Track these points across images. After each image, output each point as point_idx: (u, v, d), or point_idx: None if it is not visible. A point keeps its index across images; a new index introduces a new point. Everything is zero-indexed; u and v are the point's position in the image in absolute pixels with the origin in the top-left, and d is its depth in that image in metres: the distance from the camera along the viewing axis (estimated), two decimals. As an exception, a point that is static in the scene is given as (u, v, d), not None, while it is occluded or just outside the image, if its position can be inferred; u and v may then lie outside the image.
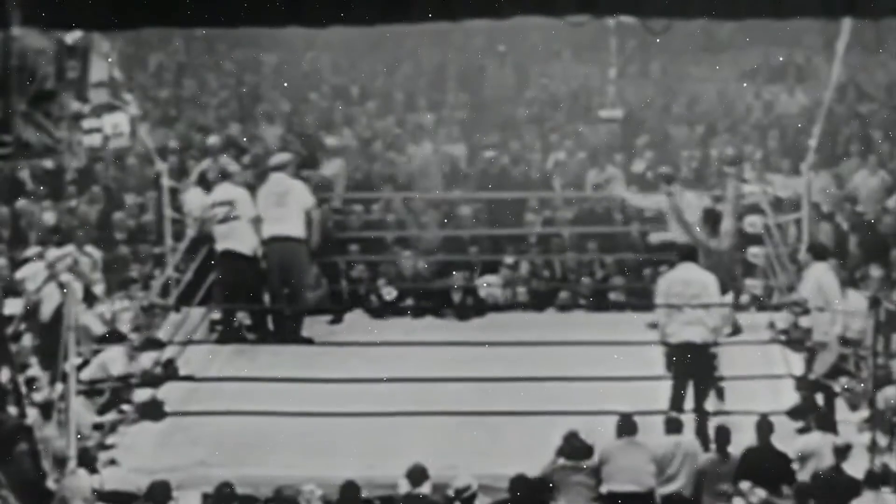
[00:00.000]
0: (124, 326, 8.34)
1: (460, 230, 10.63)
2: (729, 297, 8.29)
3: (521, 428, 7.20)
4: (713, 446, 7.10)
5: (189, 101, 12.33)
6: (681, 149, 11.76)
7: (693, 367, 7.37)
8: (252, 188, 9.03)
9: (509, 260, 10.07)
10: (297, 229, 8.76)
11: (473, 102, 12.67)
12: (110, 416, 7.62)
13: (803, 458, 6.94)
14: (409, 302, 9.67)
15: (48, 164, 9.85)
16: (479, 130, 12.25)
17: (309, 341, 8.64)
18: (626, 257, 10.03)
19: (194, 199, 9.48)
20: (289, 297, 8.78)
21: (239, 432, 7.38)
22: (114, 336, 8.16)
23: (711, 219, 8.50)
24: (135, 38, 11.68)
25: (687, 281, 7.54)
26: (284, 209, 8.76)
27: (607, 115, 11.64)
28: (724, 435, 7.05)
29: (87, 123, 8.36)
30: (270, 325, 8.96)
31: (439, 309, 9.51)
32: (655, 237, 9.61)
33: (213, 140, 10.12)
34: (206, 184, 9.58)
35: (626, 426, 7.01)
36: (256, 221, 8.80)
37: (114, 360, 7.91)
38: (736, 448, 7.07)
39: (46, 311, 8.18)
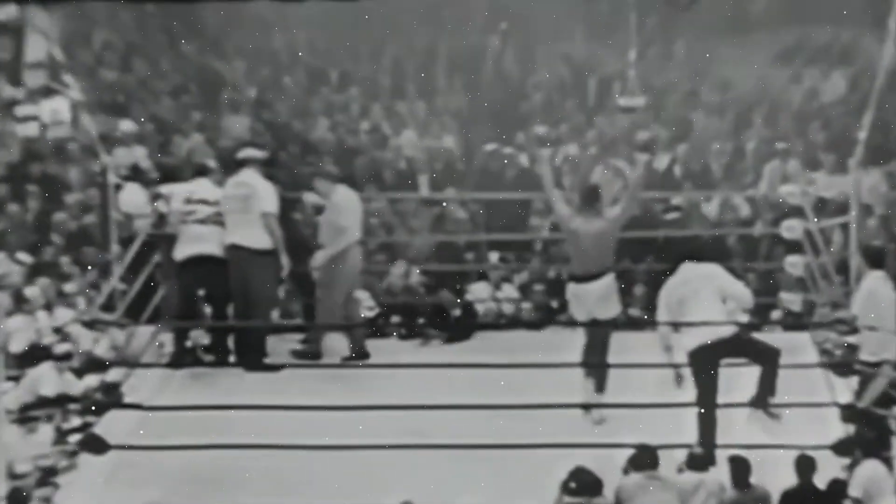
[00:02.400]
0: (61, 344, 8.30)
1: (455, 235, 10.61)
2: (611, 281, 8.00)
3: (525, 461, 7.19)
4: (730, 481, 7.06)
5: (140, 86, 12.32)
6: (710, 141, 11.77)
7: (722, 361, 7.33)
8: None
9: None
10: (257, 239, 8.71)
11: (471, 88, 12.66)
12: (51, 449, 7.56)
13: (864, 494, 6.90)
14: (396, 319, 9.65)
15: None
16: (477, 121, 12.23)
17: (274, 368, 8.59)
18: (649, 267, 10.01)
19: (132, 196, 9.43)
20: (245, 317, 8.75)
21: (198, 468, 7.34)
22: (40, 352, 8.12)
23: (590, 196, 8.16)
24: (77, 11, 11.65)
25: (685, 280, 7.51)
26: (249, 215, 8.72)
27: (627, 104, 11.61)
28: (741, 468, 7.00)
29: (21, 110, 8.32)
30: (231, 346, 8.93)
31: (431, 326, 9.47)
32: None
33: (127, 127, 10.02)
34: (143, 179, 9.54)
35: (646, 459, 6.96)
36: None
37: (43, 378, 7.85)
38: (773, 488, 7.04)
39: None
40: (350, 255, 8.94)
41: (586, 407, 7.86)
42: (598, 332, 7.97)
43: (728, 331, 7.40)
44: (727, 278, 7.56)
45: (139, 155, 9.65)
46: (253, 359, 8.66)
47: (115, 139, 10.51)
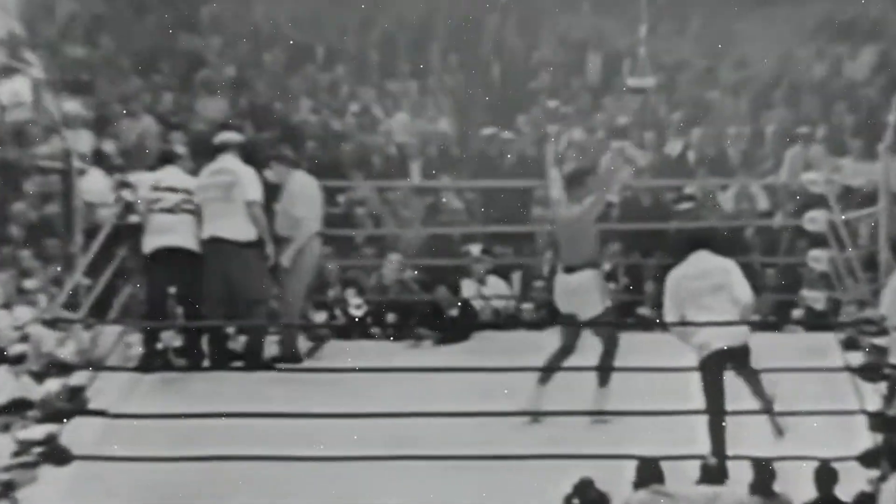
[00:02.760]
0: (17, 345, 8.26)
1: (450, 227, 10.54)
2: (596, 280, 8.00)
3: (525, 472, 7.16)
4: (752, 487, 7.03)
5: (107, 63, 12.25)
6: (726, 124, 11.73)
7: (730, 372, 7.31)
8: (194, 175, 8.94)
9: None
10: (242, 230, 8.66)
11: (468, 67, 12.60)
12: (9, 461, 7.52)
13: None
14: (389, 317, 9.62)
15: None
16: (474, 102, 12.17)
17: (268, 366, 8.56)
18: (660, 261, 9.97)
19: (95, 183, 9.37)
20: (231, 315, 8.69)
21: (170, 481, 7.29)
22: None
23: (573, 181, 8.12)
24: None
25: (703, 272, 7.42)
26: (231, 204, 8.65)
27: (636, 84, 11.59)
28: (765, 474, 6.96)
29: (-23, 91, 8.28)
30: (205, 348, 8.88)
31: (426, 326, 9.43)
32: None
33: (72, 108, 9.94)
34: (106, 164, 9.48)
35: (650, 473, 6.92)
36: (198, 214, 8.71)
37: (-2, 384, 7.82)
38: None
39: None
40: (306, 249, 8.90)
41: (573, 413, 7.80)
42: (573, 332, 7.93)
43: (742, 337, 7.35)
44: (740, 276, 7.52)
45: (85, 140, 9.61)
46: (252, 359, 8.62)
47: (74, 121, 10.47)
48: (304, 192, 8.91)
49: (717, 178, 11.06)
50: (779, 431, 7.43)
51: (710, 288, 7.40)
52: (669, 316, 7.48)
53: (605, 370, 7.94)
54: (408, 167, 11.51)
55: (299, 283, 8.91)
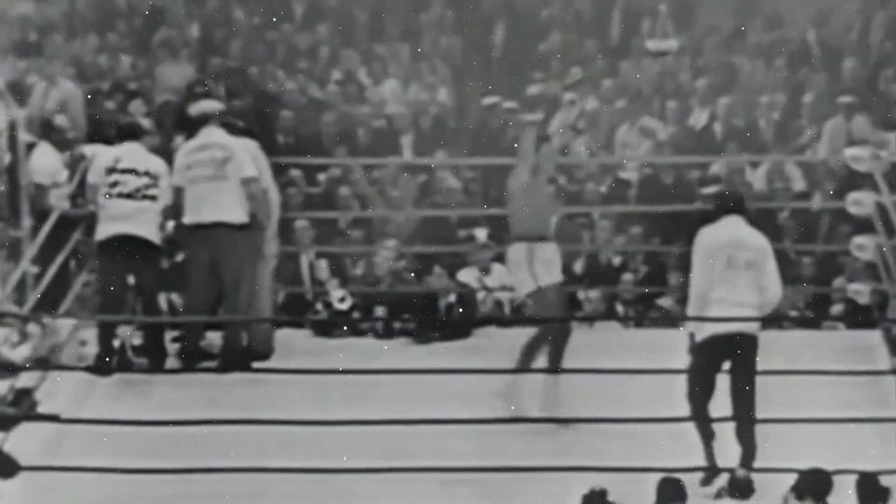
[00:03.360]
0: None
1: (445, 210, 10.57)
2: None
3: (534, 485, 7.21)
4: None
5: (57, 22, 12.25)
6: (758, 93, 11.75)
7: (734, 361, 7.29)
8: (161, 153, 8.95)
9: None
10: (238, 212, 8.69)
11: (467, 27, 12.65)
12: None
13: None
14: (379, 312, 9.65)
15: None
16: (474, 68, 12.23)
17: (244, 367, 8.58)
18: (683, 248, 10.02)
19: (45, 159, 9.39)
20: (219, 308, 8.73)
21: (128, 495, 7.32)
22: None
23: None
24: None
25: (740, 242, 7.37)
26: (225, 183, 8.67)
27: (656, 47, 11.65)
28: (819, 481, 6.99)
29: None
30: (168, 347, 8.92)
31: (420, 321, 9.47)
32: None
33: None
34: (60, 139, 9.49)
35: (672, 492, 6.95)
36: (178, 195, 8.72)
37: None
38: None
39: None
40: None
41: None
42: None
43: (753, 323, 7.29)
44: (774, 264, 7.46)
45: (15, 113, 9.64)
46: (230, 359, 8.65)
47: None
48: (259, 162, 8.91)
49: (747, 154, 11.10)
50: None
51: (743, 262, 7.36)
52: (700, 282, 7.37)
53: (520, 371, 7.94)
54: (398, 142, 11.54)
55: (268, 269, 8.94)
